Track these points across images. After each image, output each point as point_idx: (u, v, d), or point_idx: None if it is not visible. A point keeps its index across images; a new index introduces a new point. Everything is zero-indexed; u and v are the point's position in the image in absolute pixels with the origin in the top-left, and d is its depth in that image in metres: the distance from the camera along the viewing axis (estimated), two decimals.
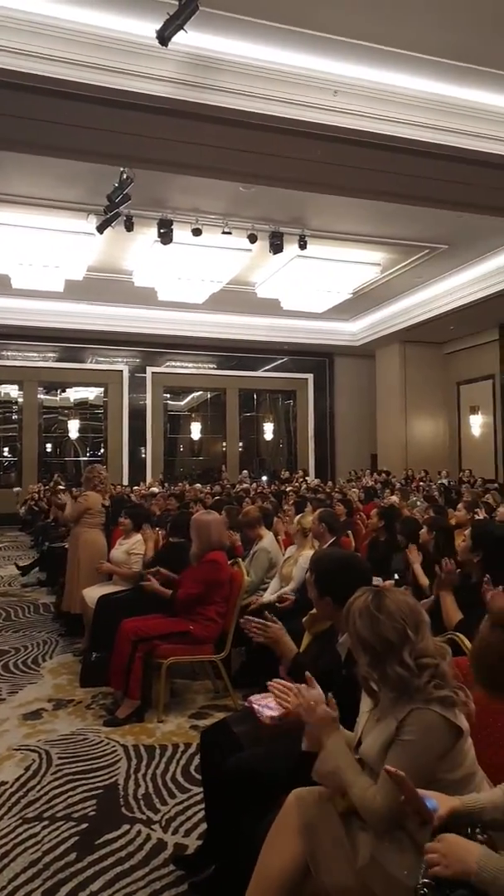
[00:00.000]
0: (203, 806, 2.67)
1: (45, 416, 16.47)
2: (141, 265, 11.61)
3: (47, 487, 13.23)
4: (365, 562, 2.43)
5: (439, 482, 12.81)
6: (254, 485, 13.71)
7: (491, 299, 12.14)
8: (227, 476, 15.87)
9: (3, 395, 16.28)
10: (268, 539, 4.97)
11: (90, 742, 3.49)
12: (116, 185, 8.59)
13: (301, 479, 14.87)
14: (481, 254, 11.46)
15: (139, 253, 11.18)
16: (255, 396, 18.25)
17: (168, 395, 17.44)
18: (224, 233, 10.34)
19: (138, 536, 5.10)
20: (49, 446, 16.80)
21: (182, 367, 17.07)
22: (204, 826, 2.59)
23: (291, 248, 10.82)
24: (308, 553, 4.43)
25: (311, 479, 15.68)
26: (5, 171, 8.74)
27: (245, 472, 16.27)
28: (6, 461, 16.50)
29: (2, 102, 6.21)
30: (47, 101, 6.05)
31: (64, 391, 16.86)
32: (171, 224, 10.01)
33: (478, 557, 3.16)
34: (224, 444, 17.89)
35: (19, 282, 11.78)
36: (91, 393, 17.00)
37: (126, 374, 16.59)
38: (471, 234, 10.45)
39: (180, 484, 13.94)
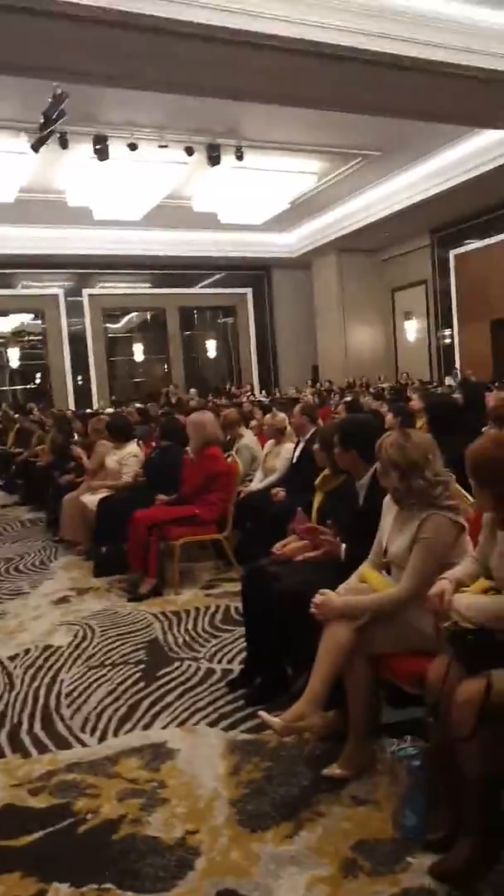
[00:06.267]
0: (234, 643, 3.36)
1: None
2: (75, 183, 11.32)
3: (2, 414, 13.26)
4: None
5: (388, 386, 13.46)
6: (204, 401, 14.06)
7: (422, 205, 12.54)
8: (177, 392, 16.06)
9: None
10: (248, 436, 5.51)
11: (122, 614, 4.03)
12: (51, 100, 8.34)
13: (249, 394, 15.36)
14: (413, 159, 11.74)
15: (74, 171, 10.87)
16: (194, 314, 18.29)
17: (107, 319, 17.26)
18: (160, 146, 10.21)
19: (129, 447, 5.50)
20: None
21: (118, 287, 16.86)
22: (241, 655, 3.21)
23: (229, 160, 10.79)
24: (288, 446, 5.00)
25: (257, 393, 16.20)
26: None
27: (193, 389, 16.57)
28: None
29: None
30: None
31: None
32: (107, 140, 9.80)
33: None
34: (166, 365, 18.02)
35: None
36: (27, 319, 16.63)
37: (62, 299, 16.29)
38: (403, 141, 10.69)
39: (127, 406, 14.11)
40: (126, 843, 1.97)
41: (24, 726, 2.72)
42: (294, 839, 1.94)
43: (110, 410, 12.16)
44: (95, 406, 15.55)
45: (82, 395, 16.54)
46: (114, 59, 7.01)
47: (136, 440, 5.73)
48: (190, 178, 11.75)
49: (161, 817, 2.08)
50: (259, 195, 12.30)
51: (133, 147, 9.94)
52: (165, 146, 10.20)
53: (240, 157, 10.72)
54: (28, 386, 17.09)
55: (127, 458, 5.44)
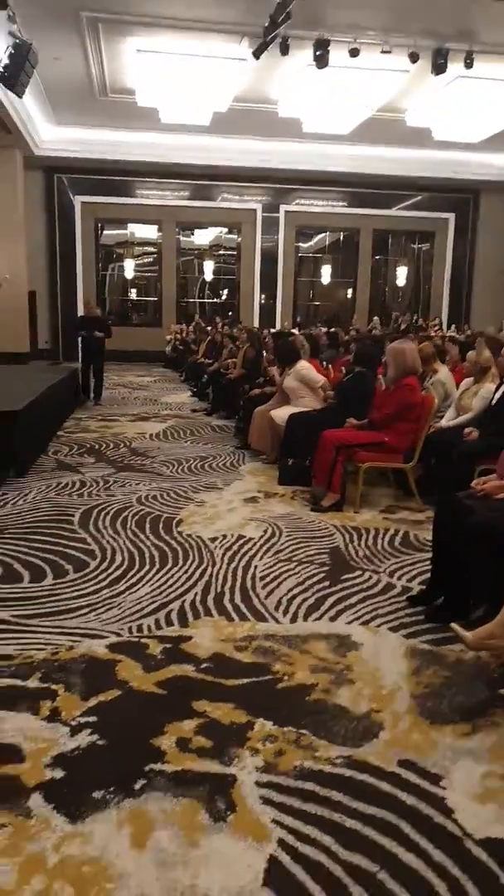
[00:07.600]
0: (413, 565, 3.55)
1: (181, 259, 16.92)
2: (289, 93, 11.17)
3: (193, 327, 14.07)
4: None
5: None
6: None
7: None
8: (357, 323, 15.91)
9: (138, 238, 16.70)
10: (443, 372, 5.42)
11: (305, 520, 4.35)
12: (279, 1, 8.20)
13: (437, 328, 14.74)
14: None
15: (289, 80, 10.71)
16: (389, 238, 17.63)
17: (299, 237, 17.22)
18: (383, 52, 9.68)
19: (297, 364, 5.67)
20: (184, 288, 17.37)
21: (314, 204, 16.64)
22: (420, 577, 3.38)
23: (455, 68, 9.99)
24: (489, 386, 4.86)
25: (445, 328, 15.48)
26: None
27: (376, 318, 16.25)
28: (146, 302, 17.33)
29: None
30: None
31: (199, 230, 17.02)
32: (328, 45, 9.49)
33: None
34: (350, 290, 17.70)
35: (167, 115, 11.74)
36: (224, 233, 17.09)
37: (259, 213, 16.48)
38: None
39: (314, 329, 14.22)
40: (319, 705, 2.28)
41: (227, 596, 3.13)
42: (471, 738, 2.12)
43: (296, 332, 12.35)
44: (278, 326, 15.86)
45: (266, 313, 16.92)
46: None
47: (300, 360, 5.83)
48: (408, 89, 11.08)
49: (348, 693, 2.36)
50: (483, 109, 11.32)
51: (354, 53, 9.53)
52: (389, 51, 9.65)
53: (469, 65, 9.86)
54: (215, 300, 17.77)
55: (301, 373, 5.61)
